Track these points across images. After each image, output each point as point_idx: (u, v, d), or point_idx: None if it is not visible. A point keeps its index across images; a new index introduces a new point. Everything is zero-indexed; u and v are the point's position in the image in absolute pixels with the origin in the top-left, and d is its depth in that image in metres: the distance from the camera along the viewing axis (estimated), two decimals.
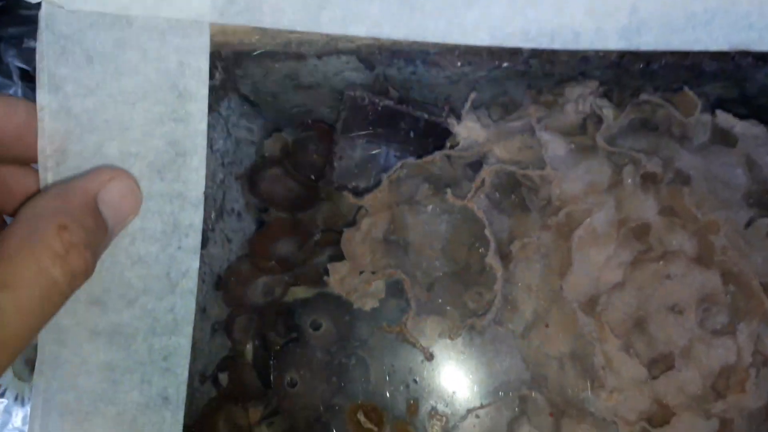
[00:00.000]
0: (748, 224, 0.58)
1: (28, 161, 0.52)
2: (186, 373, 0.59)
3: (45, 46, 0.51)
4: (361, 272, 0.62)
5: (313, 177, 0.75)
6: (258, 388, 0.69)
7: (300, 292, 0.72)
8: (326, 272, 0.61)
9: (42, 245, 0.39)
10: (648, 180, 0.58)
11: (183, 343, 0.60)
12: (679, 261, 0.56)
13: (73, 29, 0.52)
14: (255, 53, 0.61)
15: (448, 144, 0.63)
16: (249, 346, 0.71)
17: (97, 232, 0.45)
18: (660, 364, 0.55)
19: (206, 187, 0.62)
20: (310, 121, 0.77)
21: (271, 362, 0.67)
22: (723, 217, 0.55)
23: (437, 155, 0.60)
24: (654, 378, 0.54)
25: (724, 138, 0.61)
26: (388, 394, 0.58)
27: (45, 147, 0.51)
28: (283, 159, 0.76)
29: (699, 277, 0.55)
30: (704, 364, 0.54)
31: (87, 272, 0.44)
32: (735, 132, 0.61)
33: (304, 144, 0.76)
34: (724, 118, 0.61)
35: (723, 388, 0.54)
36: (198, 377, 0.66)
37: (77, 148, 0.51)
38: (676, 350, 0.55)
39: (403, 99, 0.66)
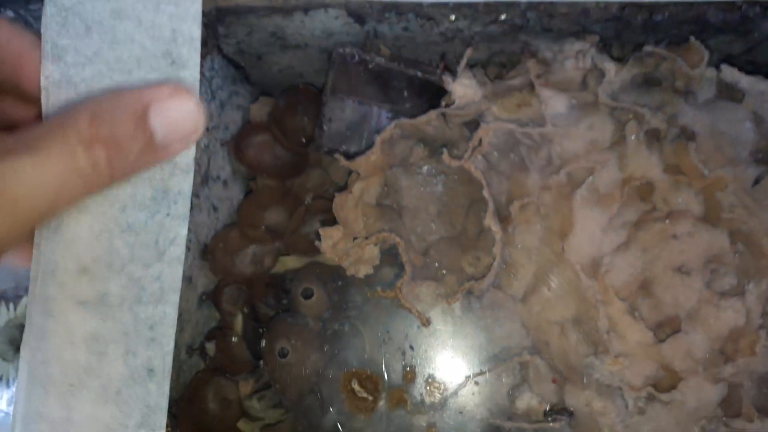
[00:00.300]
0: (756, 182, 0.56)
1: (27, 95, 0.52)
2: (172, 344, 0.57)
3: (48, 18, 0.51)
4: (354, 238, 0.60)
5: (303, 142, 0.72)
6: (248, 361, 0.66)
7: (290, 262, 0.70)
8: (318, 237, 0.58)
9: (72, 128, 0.40)
10: (652, 136, 0.56)
11: (169, 312, 0.58)
12: (685, 220, 0.54)
13: (73, 1, 0.52)
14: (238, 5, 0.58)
15: (443, 103, 0.61)
16: (239, 318, 0.69)
17: (135, 139, 0.44)
18: (666, 328, 0.53)
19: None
20: (301, 85, 0.75)
21: (261, 333, 0.64)
22: (730, 174, 0.53)
23: (432, 114, 0.57)
24: (660, 342, 0.52)
25: (729, 93, 0.59)
26: (383, 362, 0.55)
27: (48, 117, 0.51)
28: (270, 125, 0.73)
29: (706, 236, 0.53)
30: (712, 327, 0.52)
31: (110, 174, 0.43)
32: (741, 87, 0.58)
33: (293, 108, 0.73)
34: (729, 72, 0.59)
35: (732, 352, 0.52)
36: (185, 349, 0.63)
37: None
38: (682, 313, 0.53)
39: (396, 57, 0.62)
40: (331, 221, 0.62)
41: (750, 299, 0.51)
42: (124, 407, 0.56)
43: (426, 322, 0.55)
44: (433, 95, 0.63)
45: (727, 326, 0.51)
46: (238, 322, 0.68)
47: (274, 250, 0.69)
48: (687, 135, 0.56)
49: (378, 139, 0.58)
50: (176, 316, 0.58)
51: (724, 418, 0.51)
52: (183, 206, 0.58)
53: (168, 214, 0.59)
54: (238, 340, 0.67)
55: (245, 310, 0.68)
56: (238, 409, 0.64)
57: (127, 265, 0.57)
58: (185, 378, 0.63)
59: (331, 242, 0.57)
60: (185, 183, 0.59)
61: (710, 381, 0.51)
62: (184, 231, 0.59)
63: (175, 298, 0.58)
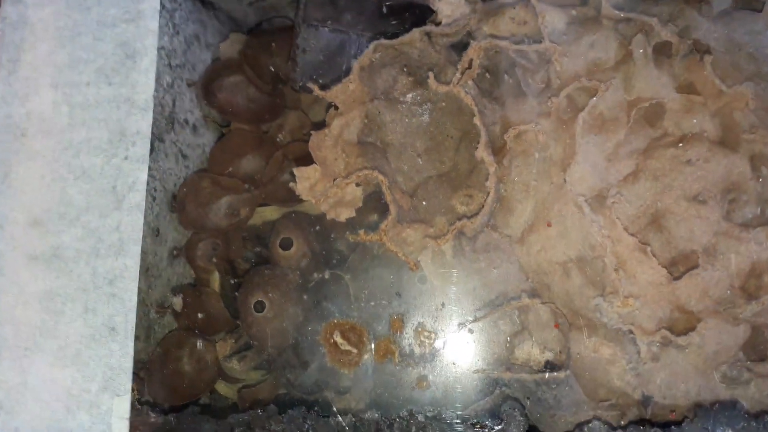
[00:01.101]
0: None
1: None
2: (135, 299, 0.53)
3: None
4: (334, 179, 0.54)
5: (278, 82, 0.66)
6: (227, 319, 0.61)
7: (269, 213, 0.64)
8: (293, 178, 0.52)
9: None
10: (661, 52, 0.50)
11: (130, 264, 0.53)
12: (700, 144, 0.48)
13: None
14: None
15: (429, 24, 0.54)
16: (215, 274, 0.63)
17: None
18: (681, 265, 0.48)
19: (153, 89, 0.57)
20: (275, 19, 0.68)
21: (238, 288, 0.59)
22: (751, 90, 0.47)
23: (416, 33, 0.51)
24: (675, 280, 0.46)
25: (747, 2, 0.53)
26: (368, 312, 0.50)
27: (0, 57, 0.52)
28: (243, 64, 0.67)
29: (723, 161, 0.48)
30: (732, 262, 0.46)
31: None
32: None
33: (267, 45, 0.67)
34: None
35: (754, 289, 0.46)
36: (155, 308, 0.58)
37: (29, 57, 0.52)
38: (699, 248, 0.47)
39: None
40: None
41: None
42: (84, 369, 0.51)
43: (414, 266, 0.50)
44: (418, 16, 0.56)
45: (749, 260, 0.46)
46: (215, 278, 0.63)
47: (251, 200, 0.63)
48: (701, 50, 0.50)
49: (356, 64, 0.52)
50: (138, 269, 0.53)
51: (748, 363, 0.46)
52: (142, 147, 0.55)
53: (126, 157, 0.55)
54: (215, 298, 0.62)
55: (222, 268, 0.62)
56: (215, 371, 0.59)
57: (82, 214, 0.53)
58: (157, 338, 0.58)
59: (307, 183, 0.52)
60: (144, 122, 0.56)
61: (731, 322, 0.46)
62: (144, 175, 0.55)
63: (137, 249, 0.53)
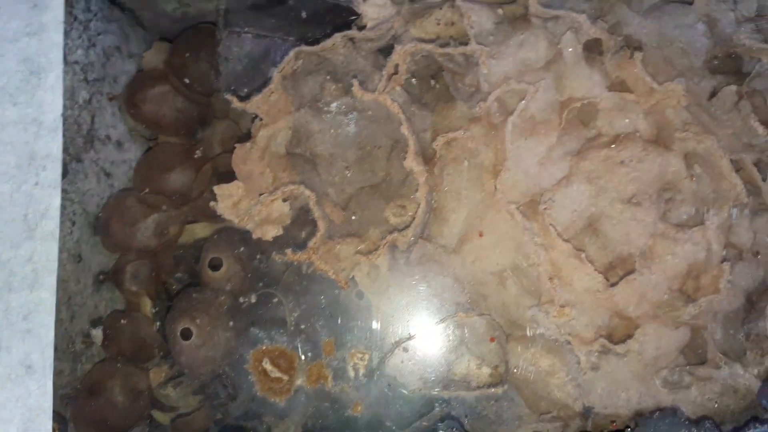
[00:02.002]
0: (713, 94, 0.49)
1: None
2: (51, 334, 0.50)
3: None
4: (260, 195, 0.51)
5: (207, 91, 0.63)
6: (159, 345, 0.58)
7: (200, 230, 0.61)
8: (214, 197, 0.49)
9: None
10: (592, 50, 0.48)
11: (46, 297, 0.50)
12: (633, 144, 0.47)
13: None
14: None
15: (354, 27, 0.52)
16: (146, 298, 0.60)
17: None
18: (618, 269, 0.46)
19: (66, 108, 0.53)
20: (201, 25, 0.65)
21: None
22: (683, 86, 0.46)
23: (337, 38, 0.49)
24: (612, 286, 0.45)
25: None
26: (298, 336, 0.48)
27: None
28: (168, 73, 0.64)
29: (658, 160, 0.46)
30: (670, 264, 0.45)
31: None
32: None
33: (193, 52, 0.64)
34: None
35: (693, 291, 0.45)
36: (81, 338, 0.55)
37: None
38: (635, 251, 0.46)
39: None
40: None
41: (711, 229, 0.45)
42: (0, 412, 0.48)
43: (345, 285, 0.47)
44: (343, 19, 0.54)
45: (686, 262, 0.45)
46: (146, 302, 0.60)
47: (180, 217, 0.60)
48: (632, 45, 0.48)
49: (276, 73, 0.50)
50: (55, 302, 0.50)
51: (688, 367, 0.45)
52: (53, 171, 0.52)
53: (36, 183, 0.52)
54: (147, 323, 0.59)
55: (153, 287, 0.59)
56: (148, 400, 0.56)
57: None
58: (84, 370, 0.55)
59: (230, 201, 0.49)
60: (54, 144, 0.52)
61: (670, 326, 0.45)
62: (57, 201, 0.52)
63: (52, 280, 0.50)
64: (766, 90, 0.47)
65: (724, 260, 0.45)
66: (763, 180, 0.45)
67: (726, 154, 0.45)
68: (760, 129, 0.46)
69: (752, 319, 0.45)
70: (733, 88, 0.47)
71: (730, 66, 0.49)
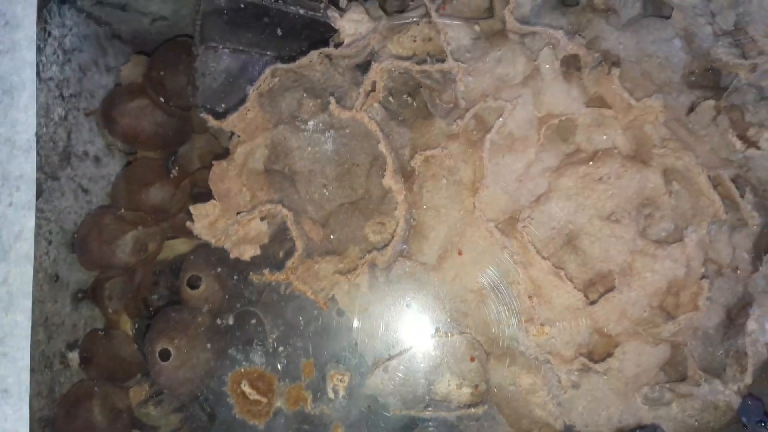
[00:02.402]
0: (691, 110, 0.48)
1: None
2: (27, 357, 0.49)
3: None
4: (238, 213, 0.51)
5: (185, 104, 0.63)
6: (139, 363, 0.57)
7: (179, 246, 0.61)
8: (190, 217, 0.49)
9: None
10: (570, 66, 0.48)
11: (21, 320, 0.49)
12: (612, 160, 0.46)
13: None
14: None
15: (332, 43, 0.51)
16: (125, 316, 0.60)
17: None
18: (598, 286, 0.46)
19: (40, 126, 0.53)
20: (179, 38, 0.64)
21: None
22: (661, 102, 0.46)
23: (314, 55, 0.48)
24: (592, 304, 0.45)
25: (656, 9, 0.51)
26: (277, 357, 0.47)
27: None
28: (146, 86, 0.63)
29: (636, 176, 0.46)
30: (649, 281, 0.45)
31: None
32: (669, 0, 0.50)
33: (172, 65, 0.63)
34: None
35: (672, 308, 0.45)
36: (58, 359, 0.54)
37: None
38: (615, 267, 0.46)
39: None
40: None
41: (690, 246, 0.45)
42: None
43: (324, 306, 0.47)
44: (320, 35, 0.53)
45: (665, 279, 0.45)
46: (125, 320, 0.60)
47: (159, 234, 0.60)
48: (610, 61, 0.48)
49: (252, 91, 0.49)
50: (30, 325, 0.49)
51: (668, 384, 0.45)
52: (27, 192, 0.51)
53: (10, 204, 0.51)
54: (127, 341, 0.58)
55: (132, 309, 0.59)
56: (128, 420, 0.55)
57: None
58: (62, 391, 0.54)
59: (206, 221, 0.48)
60: (27, 164, 0.52)
61: (650, 343, 0.45)
62: (31, 222, 0.51)
63: (27, 303, 0.50)
64: (743, 105, 0.47)
65: (703, 277, 0.45)
66: (741, 196, 0.45)
67: (704, 171, 0.45)
68: (738, 144, 0.46)
69: (732, 336, 0.45)
70: (711, 103, 0.47)
71: (707, 80, 0.49)
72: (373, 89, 0.49)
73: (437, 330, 0.47)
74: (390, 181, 0.47)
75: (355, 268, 0.47)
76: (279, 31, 0.53)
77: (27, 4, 0.52)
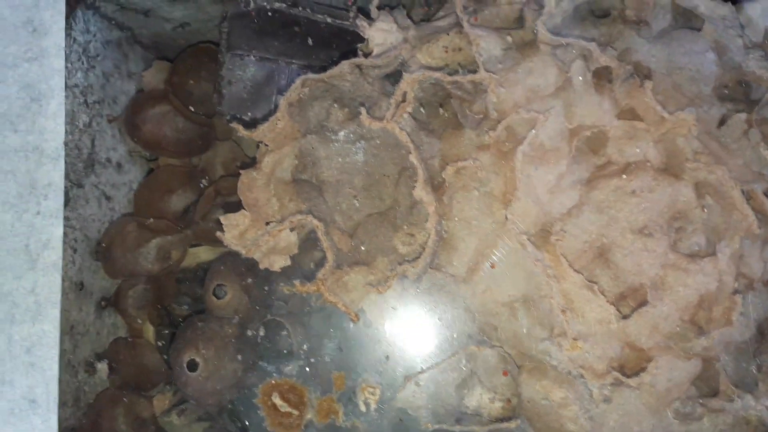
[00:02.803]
0: (722, 122, 0.48)
1: None
2: (56, 367, 0.49)
3: None
4: (267, 223, 0.51)
5: (208, 111, 0.62)
6: (163, 371, 0.57)
7: (203, 253, 0.60)
8: (220, 227, 0.49)
9: None
10: (602, 77, 0.48)
11: (49, 329, 0.49)
12: (644, 173, 0.46)
13: None
14: None
15: (360, 53, 0.51)
16: (148, 323, 0.60)
17: None
18: (629, 300, 0.46)
19: (66, 133, 0.52)
20: (201, 44, 0.64)
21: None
22: (694, 115, 0.46)
23: (345, 66, 0.48)
24: (624, 318, 0.45)
25: (687, 21, 0.51)
26: (308, 369, 0.47)
27: None
28: (169, 93, 0.63)
29: (668, 190, 0.46)
30: (681, 295, 0.45)
31: None
32: (700, 12, 0.50)
33: (194, 72, 0.63)
34: None
35: (704, 322, 0.45)
36: (83, 367, 0.54)
37: None
38: (647, 281, 0.46)
39: (299, 1, 0.52)
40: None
41: (722, 260, 0.44)
42: None
43: (356, 318, 0.47)
44: (348, 44, 0.53)
45: (697, 293, 0.45)
46: (149, 328, 0.59)
47: (183, 241, 0.60)
48: (642, 73, 0.48)
49: (283, 101, 0.49)
50: (59, 334, 0.49)
51: (700, 399, 0.45)
52: (55, 201, 0.51)
53: (38, 212, 0.51)
54: (150, 350, 0.58)
55: (156, 317, 0.58)
56: (153, 429, 0.55)
57: None
58: (86, 400, 0.54)
59: (236, 231, 0.48)
60: (55, 172, 0.52)
61: (682, 357, 0.45)
62: (59, 230, 0.51)
63: (55, 312, 0.49)
64: None
65: (736, 292, 0.44)
66: None
67: (737, 185, 0.45)
68: None
69: (764, 351, 0.45)
70: (743, 116, 0.47)
71: (738, 93, 0.49)
72: (404, 99, 0.48)
73: (468, 342, 0.47)
74: (421, 192, 0.47)
75: (386, 279, 0.47)
76: (307, 40, 0.53)
77: (55, 11, 0.52)
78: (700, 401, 0.45)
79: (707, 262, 0.45)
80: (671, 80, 0.49)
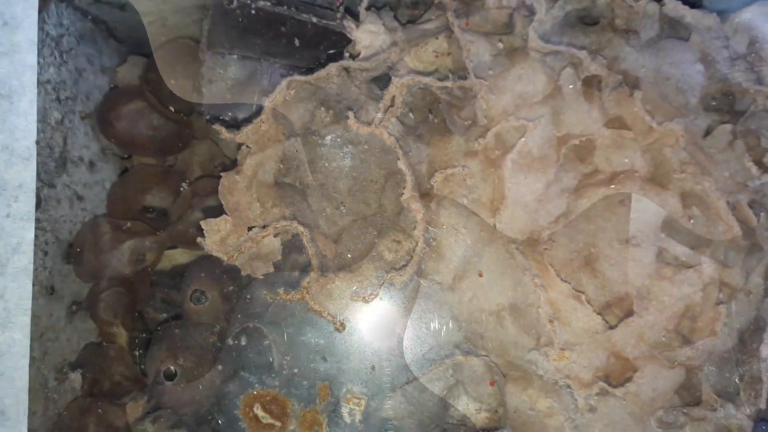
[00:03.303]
0: (707, 133, 0.49)
1: None
2: (26, 377, 0.47)
3: None
4: (249, 228, 0.49)
5: (185, 108, 0.60)
6: (137, 378, 0.56)
7: (178, 256, 0.59)
8: (201, 232, 0.47)
9: None
10: (591, 85, 0.48)
11: (19, 338, 0.47)
12: (631, 183, 0.46)
13: None
14: None
15: (346, 54, 0.50)
16: (122, 328, 0.58)
17: None
18: (615, 309, 0.46)
19: (38, 131, 0.50)
20: (179, 39, 0.62)
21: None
22: (682, 126, 0.46)
23: (332, 68, 0.47)
24: (611, 328, 0.45)
25: (674, 30, 0.51)
26: (291, 379, 0.46)
27: None
28: (144, 89, 0.61)
29: (655, 200, 0.46)
30: (666, 305, 0.45)
31: None
32: (686, 22, 0.50)
33: (170, 67, 0.61)
34: (672, 6, 0.51)
35: (688, 331, 0.45)
36: (53, 375, 0.52)
37: None
38: (633, 291, 0.46)
39: None
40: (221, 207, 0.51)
41: (707, 270, 0.45)
42: None
43: (341, 327, 0.46)
44: (334, 45, 0.52)
45: (682, 303, 0.45)
46: (122, 333, 0.57)
47: (158, 243, 0.58)
48: (630, 82, 0.48)
49: (267, 103, 0.47)
50: (29, 343, 0.47)
51: (683, 407, 0.45)
52: (26, 203, 0.49)
53: (8, 215, 0.48)
54: (123, 355, 0.56)
55: (129, 317, 0.57)
56: None
57: None
58: (57, 409, 0.52)
59: (217, 237, 0.47)
60: (27, 173, 0.49)
61: (666, 366, 0.45)
62: (30, 234, 0.49)
63: (26, 320, 0.47)
64: (759, 130, 0.48)
65: (720, 302, 0.45)
66: (758, 221, 0.46)
67: (723, 196, 0.45)
68: (754, 169, 0.46)
69: (746, 361, 0.45)
70: (728, 127, 0.48)
71: (724, 104, 0.49)
72: (392, 104, 0.48)
73: (454, 351, 0.46)
74: (409, 199, 0.46)
75: (372, 289, 0.46)
76: (291, 40, 0.51)
77: (27, 4, 0.49)
78: (683, 410, 0.45)
79: (692, 273, 0.45)
80: (658, 90, 0.49)
